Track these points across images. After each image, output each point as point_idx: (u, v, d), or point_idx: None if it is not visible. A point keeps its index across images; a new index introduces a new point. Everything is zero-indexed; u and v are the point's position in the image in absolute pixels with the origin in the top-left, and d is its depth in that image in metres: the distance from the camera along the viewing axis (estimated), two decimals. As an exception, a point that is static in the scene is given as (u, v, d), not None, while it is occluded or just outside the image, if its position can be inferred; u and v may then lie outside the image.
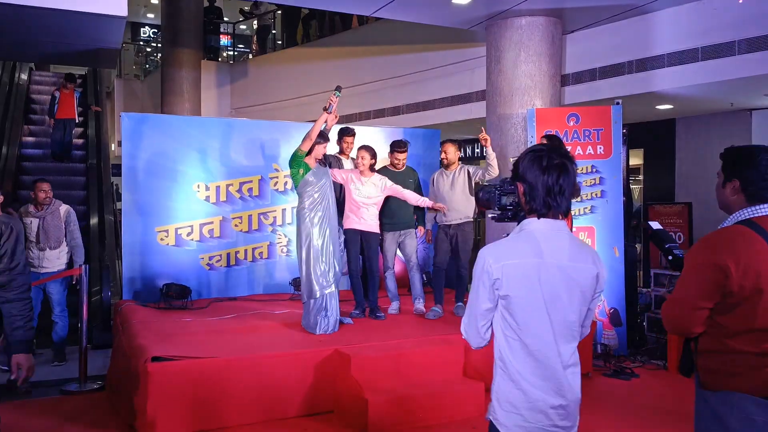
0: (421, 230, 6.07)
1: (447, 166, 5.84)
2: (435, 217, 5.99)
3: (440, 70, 9.51)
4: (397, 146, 5.92)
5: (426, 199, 5.74)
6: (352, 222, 5.62)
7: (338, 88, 5.35)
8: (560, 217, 1.96)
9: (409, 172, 6.05)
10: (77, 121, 10.56)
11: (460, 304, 5.84)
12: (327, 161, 5.78)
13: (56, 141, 10.16)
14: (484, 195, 2.23)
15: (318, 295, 5.04)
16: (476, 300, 1.99)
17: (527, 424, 1.92)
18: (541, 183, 1.92)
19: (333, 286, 5.12)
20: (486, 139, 5.54)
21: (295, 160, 5.17)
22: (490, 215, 2.31)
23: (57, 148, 10.18)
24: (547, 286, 1.92)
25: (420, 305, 5.86)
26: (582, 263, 1.96)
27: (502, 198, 2.16)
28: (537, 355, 1.92)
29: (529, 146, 2.03)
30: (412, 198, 5.68)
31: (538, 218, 1.95)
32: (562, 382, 1.93)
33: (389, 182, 5.64)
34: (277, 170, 6.79)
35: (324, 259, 5.09)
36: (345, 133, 6.23)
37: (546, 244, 1.93)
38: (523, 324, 1.92)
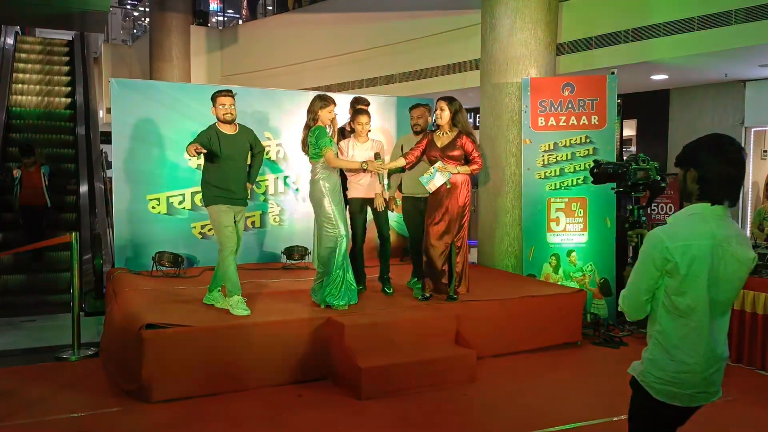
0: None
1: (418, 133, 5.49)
2: (399, 187, 5.67)
3: (434, 37, 9.39)
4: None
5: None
6: (357, 190, 5.30)
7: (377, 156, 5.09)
8: (726, 205, 2.10)
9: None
10: (49, 205, 7.82)
11: (416, 279, 5.58)
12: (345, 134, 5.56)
13: (25, 237, 7.52)
14: (608, 167, 2.26)
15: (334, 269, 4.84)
16: (644, 276, 2.11)
17: (676, 390, 2.11)
18: (721, 173, 2.04)
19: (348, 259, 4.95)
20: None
21: (319, 141, 4.84)
22: (612, 189, 2.12)
23: (28, 245, 6.97)
24: (717, 266, 2.05)
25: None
26: (745, 247, 2.10)
27: (637, 173, 2.15)
28: (697, 330, 2.08)
29: (708, 134, 2.12)
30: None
31: (712, 204, 2.07)
32: (716, 352, 2.10)
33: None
34: (269, 139, 6.73)
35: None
36: (359, 113, 5.38)
37: (718, 229, 2.06)
38: (689, 301, 2.07)
